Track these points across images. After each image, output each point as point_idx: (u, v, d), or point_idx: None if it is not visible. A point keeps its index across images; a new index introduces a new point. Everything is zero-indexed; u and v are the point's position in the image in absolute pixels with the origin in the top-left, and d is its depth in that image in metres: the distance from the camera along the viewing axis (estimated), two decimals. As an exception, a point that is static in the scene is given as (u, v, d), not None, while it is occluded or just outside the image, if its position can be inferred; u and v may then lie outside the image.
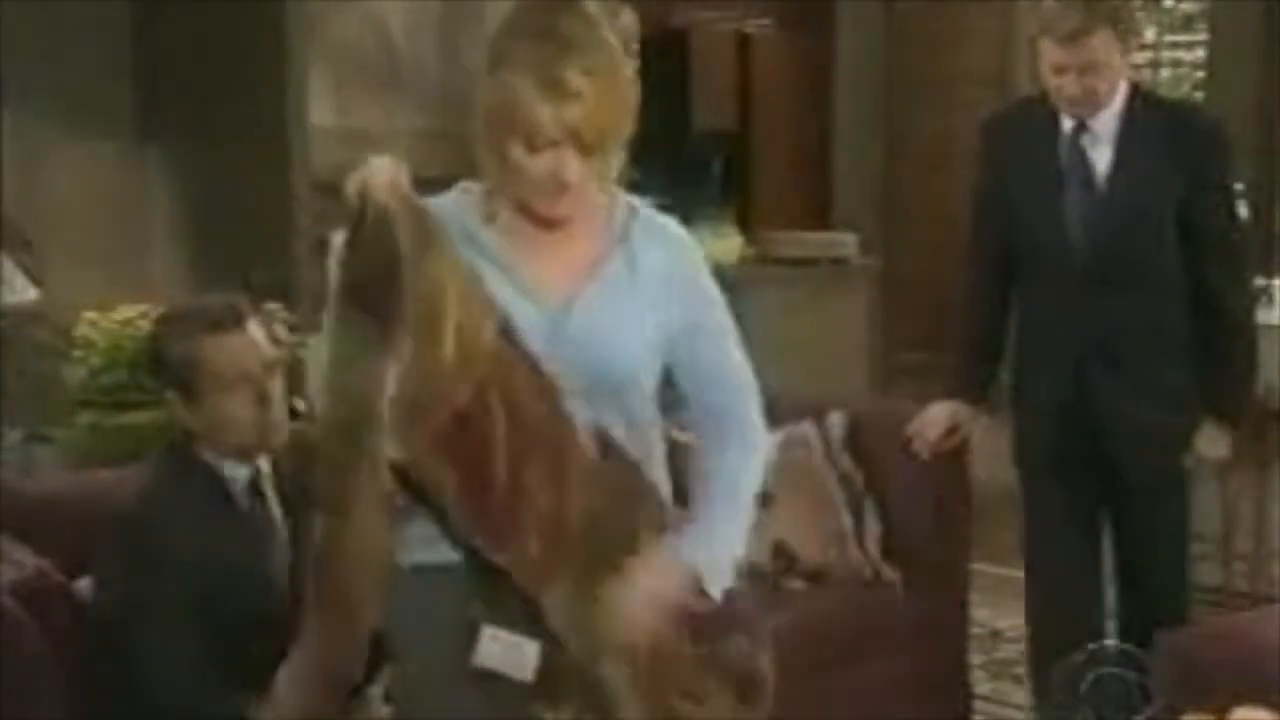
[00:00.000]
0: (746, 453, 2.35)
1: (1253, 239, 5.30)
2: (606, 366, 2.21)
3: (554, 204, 2.17)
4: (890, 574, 3.88)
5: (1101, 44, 3.29)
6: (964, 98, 7.42)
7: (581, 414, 2.18)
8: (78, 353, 3.78)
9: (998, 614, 4.59)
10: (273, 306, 3.97)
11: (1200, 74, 6.64)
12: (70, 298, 4.18)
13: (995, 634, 4.61)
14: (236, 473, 2.77)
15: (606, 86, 2.11)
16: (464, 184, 2.29)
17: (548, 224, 2.22)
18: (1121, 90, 3.40)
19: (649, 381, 2.28)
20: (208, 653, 2.65)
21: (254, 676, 2.67)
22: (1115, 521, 3.59)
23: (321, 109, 5.78)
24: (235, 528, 2.75)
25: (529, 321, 2.18)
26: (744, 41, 7.50)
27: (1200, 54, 6.63)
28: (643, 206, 2.32)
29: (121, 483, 2.96)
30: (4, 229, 4.39)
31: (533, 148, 2.11)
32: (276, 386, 2.77)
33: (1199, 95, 6.67)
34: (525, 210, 2.21)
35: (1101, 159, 3.41)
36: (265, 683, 2.66)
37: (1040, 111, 3.47)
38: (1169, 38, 6.94)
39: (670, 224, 2.34)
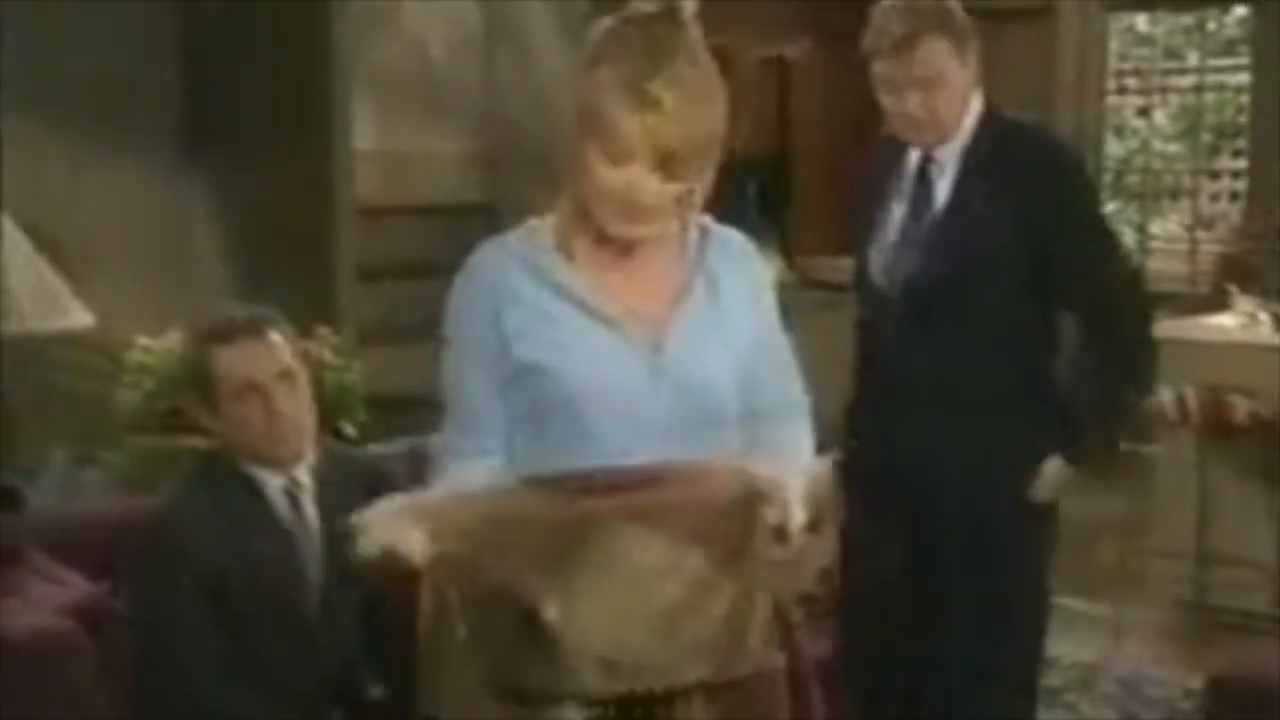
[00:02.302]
0: (802, 424, 2.27)
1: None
2: (704, 401, 2.14)
3: (627, 227, 2.08)
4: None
5: (933, 53, 2.99)
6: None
7: (678, 452, 2.09)
8: (130, 378, 3.80)
9: (1048, 641, 4.52)
10: (322, 330, 4.00)
11: (1244, 98, 6.60)
12: (112, 320, 4.20)
13: (1045, 661, 4.53)
14: (270, 480, 2.82)
15: (693, 102, 2.02)
16: (532, 222, 2.20)
17: (623, 249, 2.14)
18: (973, 115, 3.11)
19: (736, 409, 2.19)
20: (236, 652, 2.70)
21: (283, 679, 2.71)
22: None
23: (364, 133, 5.80)
24: (269, 532, 2.79)
25: (622, 362, 2.11)
26: (782, 65, 7.49)
27: (1244, 78, 6.60)
28: (713, 225, 2.24)
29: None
30: (49, 249, 4.39)
31: (612, 159, 2.02)
32: (289, 397, 2.80)
33: (1243, 119, 6.65)
34: (602, 237, 2.12)
35: (943, 192, 3.13)
36: (295, 686, 2.70)
37: (895, 144, 3.18)
38: (1212, 62, 6.91)
39: (742, 243, 2.27)
